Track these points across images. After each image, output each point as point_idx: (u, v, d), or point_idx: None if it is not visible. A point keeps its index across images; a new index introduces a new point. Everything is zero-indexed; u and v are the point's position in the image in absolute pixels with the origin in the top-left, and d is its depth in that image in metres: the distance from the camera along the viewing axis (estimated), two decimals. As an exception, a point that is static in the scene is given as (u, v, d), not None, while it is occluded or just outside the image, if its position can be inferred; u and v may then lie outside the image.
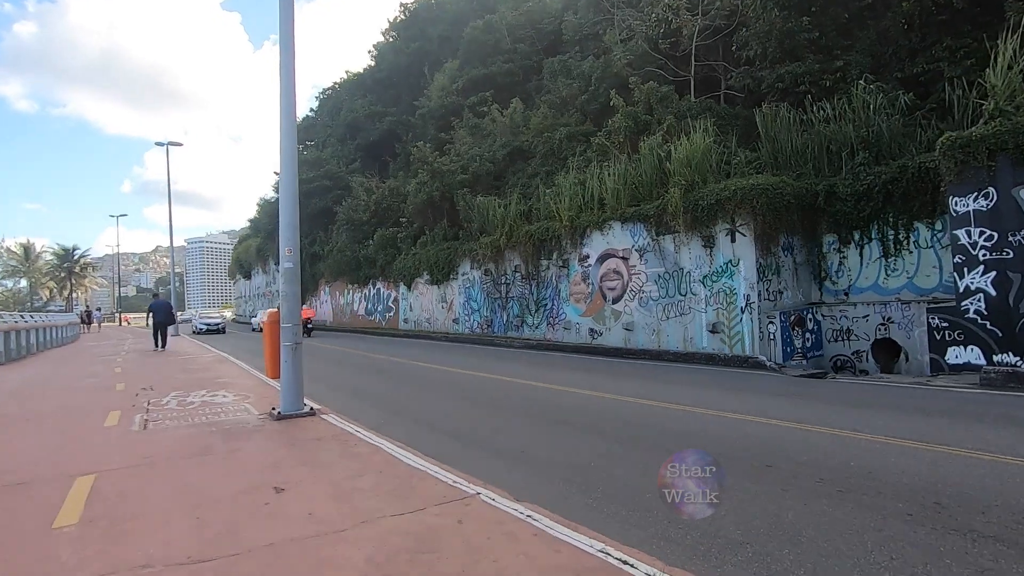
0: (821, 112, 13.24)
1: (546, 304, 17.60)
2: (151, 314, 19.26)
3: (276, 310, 6.99)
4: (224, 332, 32.20)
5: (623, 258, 14.89)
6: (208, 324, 32.95)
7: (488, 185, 23.29)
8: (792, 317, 11.90)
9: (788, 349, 11.73)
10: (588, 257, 16.05)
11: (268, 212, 40.24)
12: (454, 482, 4.14)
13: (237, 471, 4.63)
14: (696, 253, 13.02)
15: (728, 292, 12.39)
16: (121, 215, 50.74)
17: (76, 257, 54.93)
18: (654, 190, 14.65)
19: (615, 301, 15.11)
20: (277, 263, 41.90)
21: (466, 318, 21.58)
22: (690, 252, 13.15)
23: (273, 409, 6.71)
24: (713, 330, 12.58)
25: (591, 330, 15.81)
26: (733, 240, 12.33)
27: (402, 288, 26.28)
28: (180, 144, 29.10)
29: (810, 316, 12.30)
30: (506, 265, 19.40)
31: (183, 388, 9.26)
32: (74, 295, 56.84)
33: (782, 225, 12.25)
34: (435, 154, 24.74)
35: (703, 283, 12.91)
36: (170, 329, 20.19)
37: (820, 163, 13.07)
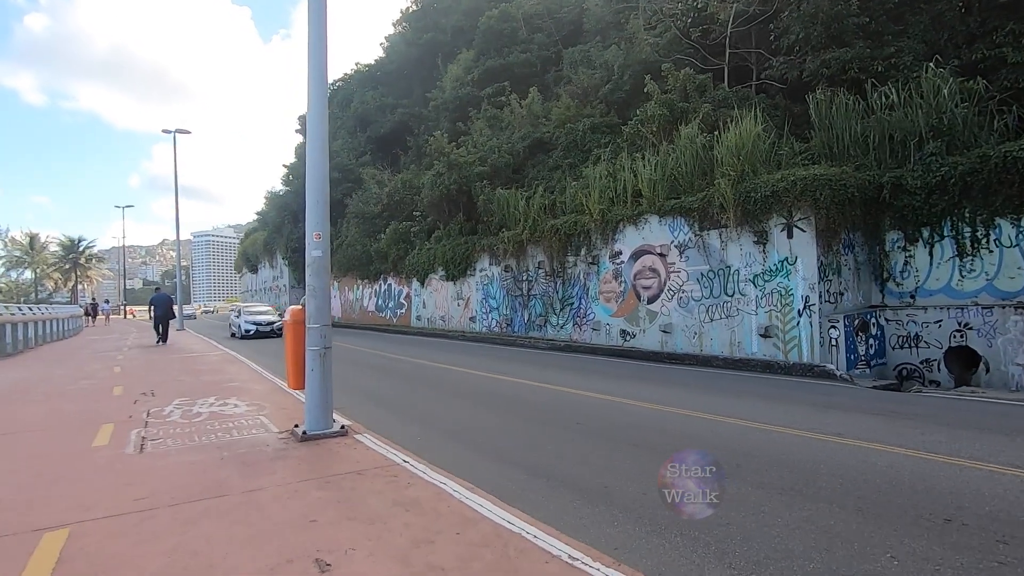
0: (884, 99, 11.98)
1: (572, 303, 16.39)
2: (152, 308, 19.57)
3: (300, 307, 5.76)
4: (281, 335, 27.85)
5: (660, 255, 13.67)
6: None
7: (507, 178, 22.06)
8: (856, 321, 10.70)
9: (851, 357, 10.53)
10: (620, 253, 14.84)
11: (276, 205, 39.06)
12: (571, 558, 2.94)
13: (262, 528, 3.42)
14: (747, 250, 11.80)
15: (783, 293, 11.17)
16: (127, 206, 49.36)
17: (81, 248, 53.68)
18: (695, 182, 13.45)
19: (651, 301, 13.90)
20: (285, 257, 40.14)
21: (484, 316, 20.38)
22: (740, 248, 11.94)
23: (296, 426, 5.53)
24: (765, 334, 11.37)
25: (623, 331, 14.61)
26: (790, 236, 11.11)
27: (415, 284, 25.07)
28: (188, 132, 27.90)
29: (873, 320, 11.09)
30: (528, 261, 18.18)
31: (188, 394, 8.08)
32: (80, 287, 55.72)
33: (844, 220, 11.03)
34: (451, 145, 23.49)
35: (754, 283, 11.69)
36: (174, 323, 21.04)
37: (881, 153, 11.83)
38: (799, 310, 10.90)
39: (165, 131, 27.30)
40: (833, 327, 10.54)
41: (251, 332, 21.58)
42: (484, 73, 28.53)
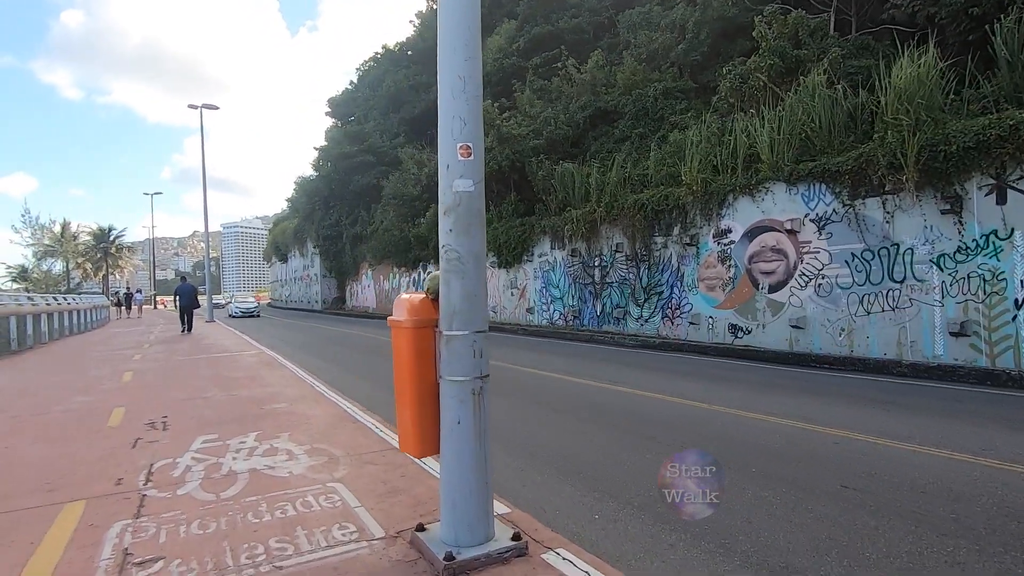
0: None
1: (661, 292, 13.50)
2: (177, 297, 19.71)
3: (423, 296, 2.98)
4: (258, 316, 33.52)
5: (789, 231, 10.71)
6: (244, 309, 33.21)
7: (564, 152, 19.16)
8: (1103, 315, 7.68)
9: (1098, 362, 7.53)
10: (729, 232, 11.91)
11: (306, 191, 36.60)
12: None
13: None
14: (930, 221, 8.80)
15: (989, 277, 8.18)
16: (156, 193, 47.10)
17: (112, 238, 51.71)
18: (835, 139, 10.46)
19: (774, 289, 10.98)
20: (316, 245, 37.71)
21: (544, 307, 17.59)
22: (917, 220, 8.95)
23: (421, 528, 2.80)
24: (960, 332, 8.40)
25: (733, 327, 11.71)
26: (1001, 201, 8.09)
27: (460, 271, 22.32)
28: (216, 107, 25.34)
29: (1113, 313, 8.05)
30: (602, 243, 15.31)
31: (216, 425, 5.44)
32: (113, 276, 54.06)
33: (1078, 179, 7.98)
34: (503, 116, 20.60)
35: (938, 264, 8.71)
36: (202, 313, 21.07)
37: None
38: (1018, 301, 7.90)
39: (191, 106, 24.77)
40: (1071, 323, 7.55)
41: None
42: (530, 41, 25.55)
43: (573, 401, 7.10)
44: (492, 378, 2.77)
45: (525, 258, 18.39)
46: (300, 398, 6.83)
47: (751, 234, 11.50)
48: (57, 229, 46.09)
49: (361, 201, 31.93)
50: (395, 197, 25.78)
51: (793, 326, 10.57)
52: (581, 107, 19.89)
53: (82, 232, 49.89)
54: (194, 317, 19.53)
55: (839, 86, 10.49)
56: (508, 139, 19.57)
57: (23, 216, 48.42)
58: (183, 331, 18.55)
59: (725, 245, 11.98)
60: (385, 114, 34.54)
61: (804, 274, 10.48)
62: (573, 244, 16.25)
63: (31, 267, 45.77)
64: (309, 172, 38.11)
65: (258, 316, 32.50)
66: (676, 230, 13.12)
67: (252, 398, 6.86)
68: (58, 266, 46.43)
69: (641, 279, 14.06)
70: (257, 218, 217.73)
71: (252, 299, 39.74)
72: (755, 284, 11.37)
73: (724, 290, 11.99)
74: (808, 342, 10.35)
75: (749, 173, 11.64)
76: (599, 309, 15.40)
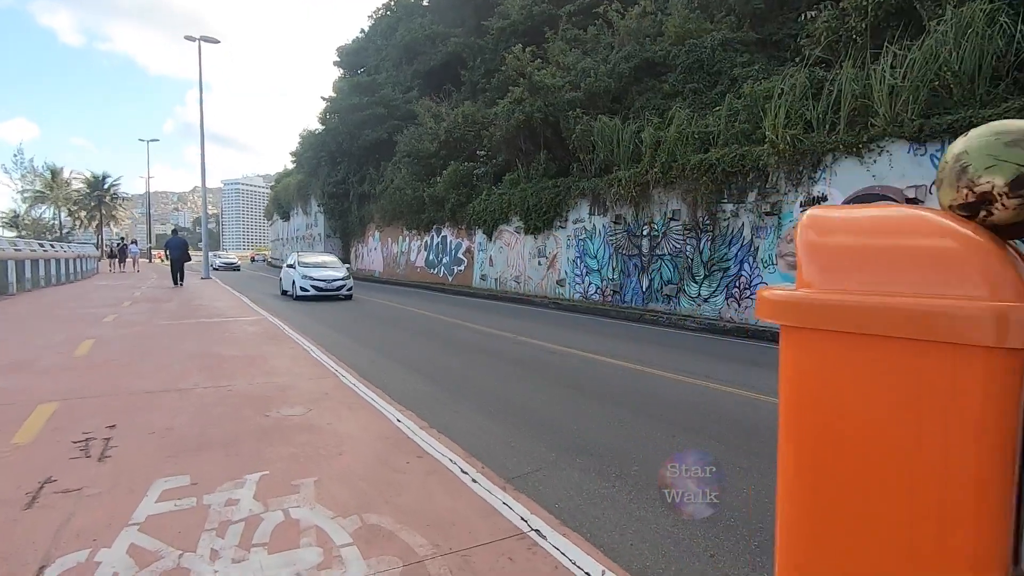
0: None
1: (727, 268, 11.40)
2: (167, 251, 19.27)
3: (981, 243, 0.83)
4: (239, 270, 36.74)
5: (911, 201, 8.56)
6: (226, 263, 37.59)
7: (604, 107, 16.74)
8: None
9: None
10: (824, 199, 9.76)
11: (312, 144, 33.85)
12: None
13: None
14: None
15: None
16: (152, 140, 43.49)
17: (107, 186, 48.40)
18: (978, 89, 8.24)
19: (882, 270, 8.86)
20: (321, 202, 34.68)
21: (577, 280, 15.47)
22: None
23: None
24: None
25: (821, 312, 9.63)
26: None
27: (479, 237, 20.12)
28: (217, 41, 22.40)
29: None
30: (653, 209, 13.11)
31: (191, 454, 3.37)
32: (108, 227, 51.26)
33: None
34: (535, 63, 18.07)
35: None
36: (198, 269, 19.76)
37: None
38: None
39: (188, 38, 21.83)
40: None
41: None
42: (564, -14, 22.68)
43: (701, 409, 5.04)
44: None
45: (557, 224, 16.18)
46: (322, 396, 4.74)
47: (855, 203, 9.32)
48: (48, 174, 42.88)
49: (370, 158, 29.34)
50: (409, 154, 23.28)
51: (907, 317, 8.52)
52: (625, 58, 17.37)
53: (75, 178, 46.66)
54: (186, 272, 19.42)
55: (1001, 20, 8.18)
56: (541, 89, 17.12)
57: (15, 158, 45.31)
58: (175, 284, 18.35)
59: (817, 216, 9.82)
60: (398, 65, 31.58)
61: (928, 254, 8.37)
62: (617, 210, 14.05)
63: (22, 213, 42.88)
64: (315, 126, 35.28)
65: (238, 270, 37.18)
66: (752, 196, 10.94)
67: (252, 395, 4.77)
68: (48, 213, 43.48)
69: (702, 252, 11.94)
70: (259, 176, 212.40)
71: (333, 260, 35.04)
72: (855, 264, 9.27)
73: (812, 269, 9.88)
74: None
75: (857, 130, 9.41)
76: (645, 284, 13.31)
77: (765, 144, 10.62)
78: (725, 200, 11.47)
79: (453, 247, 22.11)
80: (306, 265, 16.39)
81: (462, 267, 21.44)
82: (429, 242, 24.08)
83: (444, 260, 22.81)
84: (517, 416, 4.53)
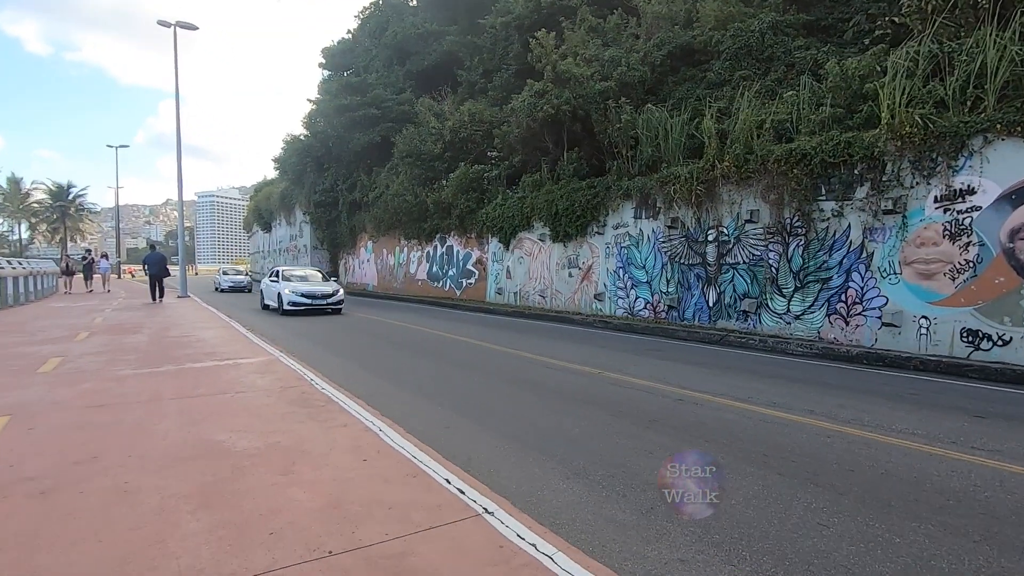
0: None
1: (828, 278, 9.27)
2: (146, 266, 18.98)
3: None
4: (250, 291, 26.81)
5: (1110, 192, 6.53)
6: (234, 283, 27.94)
7: (638, 99, 14.60)
8: None
9: None
10: (971, 192, 7.71)
11: (296, 150, 30.98)
12: None
13: None
14: None
15: None
16: (122, 146, 39.28)
17: (71, 196, 44.08)
18: None
19: (1065, 280, 6.84)
20: (306, 212, 31.35)
21: (620, 294, 13.19)
22: None
23: None
24: None
25: (971, 333, 7.58)
26: None
27: (493, 246, 17.73)
28: (195, 27, 19.44)
29: None
30: (722, 211, 10.95)
31: None
32: (74, 240, 46.99)
33: None
34: (560, 50, 15.86)
35: None
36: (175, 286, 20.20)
37: None
38: None
39: (162, 23, 18.85)
40: None
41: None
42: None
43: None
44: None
45: (593, 230, 13.91)
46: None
47: (1013, 197, 7.29)
48: (6, 184, 38.66)
49: (362, 163, 26.71)
50: (410, 154, 20.77)
51: (1110, 339, 6.47)
52: (656, 46, 15.30)
53: (36, 189, 42.37)
54: (165, 288, 18.65)
55: None
56: (569, 80, 14.91)
57: (-31, 170, 40.96)
58: (153, 301, 17.68)
59: (961, 212, 7.76)
60: (389, 66, 29.09)
61: None
62: (673, 212, 11.84)
63: (-23, 227, 38.63)
64: (299, 131, 32.41)
65: (250, 291, 26.76)
66: (862, 191, 8.83)
67: None
68: (4, 226, 39.22)
69: (790, 260, 9.78)
70: (234, 188, 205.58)
71: (315, 275, 23.33)
72: (1020, 271, 7.20)
73: (954, 278, 7.80)
74: None
75: (1021, 103, 7.37)
76: (712, 299, 11.10)
77: (880, 128, 8.55)
78: (823, 197, 9.35)
79: (461, 258, 19.65)
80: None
81: (472, 280, 18.97)
82: (432, 252, 21.55)
83: (450, 272, 20.31)
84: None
